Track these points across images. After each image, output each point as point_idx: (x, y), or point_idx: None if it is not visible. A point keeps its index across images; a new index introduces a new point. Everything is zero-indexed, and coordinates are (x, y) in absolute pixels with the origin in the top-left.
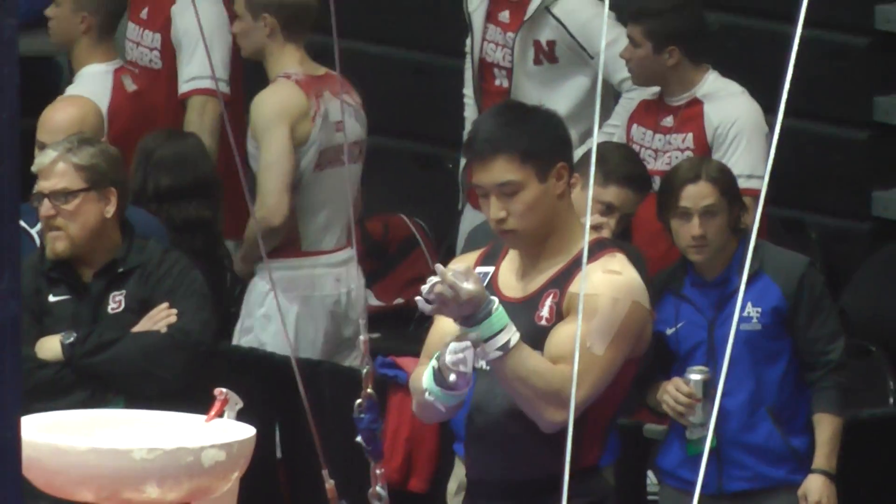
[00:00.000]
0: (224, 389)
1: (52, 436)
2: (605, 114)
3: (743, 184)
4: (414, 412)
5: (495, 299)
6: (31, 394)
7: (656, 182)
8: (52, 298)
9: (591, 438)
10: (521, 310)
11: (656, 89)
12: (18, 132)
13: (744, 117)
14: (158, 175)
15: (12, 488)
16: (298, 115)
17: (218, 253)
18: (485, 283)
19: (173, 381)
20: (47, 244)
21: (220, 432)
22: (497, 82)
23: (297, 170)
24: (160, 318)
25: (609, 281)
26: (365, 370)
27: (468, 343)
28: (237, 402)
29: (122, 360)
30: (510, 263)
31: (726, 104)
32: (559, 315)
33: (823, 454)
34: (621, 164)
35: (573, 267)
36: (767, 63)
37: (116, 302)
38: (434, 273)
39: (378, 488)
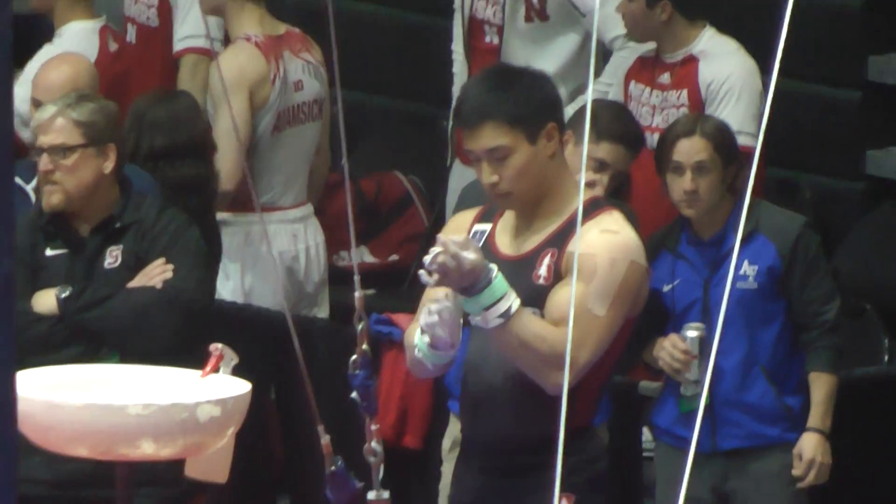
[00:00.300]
0: (219, 345)
1: (48, 392)
2: (595, 72)
3: None
4: (408, 367)
5: (494, 267)
6: (26, 348)
7: (654, 139)
8: (48, 253)
9: (586, 398)
10: (519, 268)
11: (647, 47)
12: (12, 91)
13: (736, 73)
14: (153, 135)
15: (8, 444)
16: (258, 80)
17: (213, 212)
18: (482, 242)
19: (167, 339)
20: (43, 198)
21: (215, 388)
22: (487, 39)
23: (254, 134)
24: (155, 273)
25: (606, 241)
26: (360, 327)
27: (445, 304)
28: (232, 358)
29: (115, 317)
30: (507, 222)
31: (720, 61)
32: (557, 275)
33: (818, 413)
34: (613, 121)
35: (570, 226)
36: (761, 24)
37: (113, 256)
38: (428, 234)
39: (373, 444)
